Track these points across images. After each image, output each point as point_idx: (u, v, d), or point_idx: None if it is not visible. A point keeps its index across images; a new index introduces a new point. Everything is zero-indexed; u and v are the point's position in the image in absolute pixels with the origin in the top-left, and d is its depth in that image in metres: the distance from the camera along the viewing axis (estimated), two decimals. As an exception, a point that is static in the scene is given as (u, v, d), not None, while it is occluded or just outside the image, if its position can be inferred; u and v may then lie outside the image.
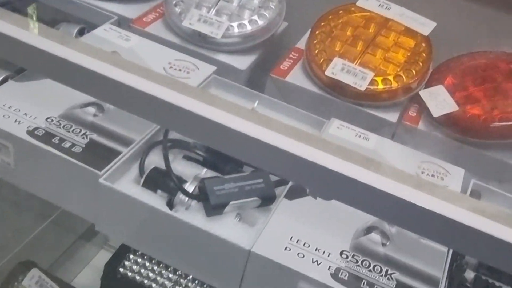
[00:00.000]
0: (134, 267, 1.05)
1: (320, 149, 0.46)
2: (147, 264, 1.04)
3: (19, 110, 0.67)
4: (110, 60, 0.49)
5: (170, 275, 1.03)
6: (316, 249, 0.60)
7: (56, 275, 1.07)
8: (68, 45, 0.49)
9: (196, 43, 0.85)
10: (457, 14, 0.92)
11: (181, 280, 1.02)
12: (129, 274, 1.03)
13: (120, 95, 0.48)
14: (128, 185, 0.64)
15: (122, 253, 1.04)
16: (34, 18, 0.90)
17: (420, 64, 0.83)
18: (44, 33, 0.50)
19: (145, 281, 1.03)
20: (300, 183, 0.47)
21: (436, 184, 0.69)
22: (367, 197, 0.44)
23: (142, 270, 1.05)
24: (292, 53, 0.89)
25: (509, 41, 0.90)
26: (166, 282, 1.03)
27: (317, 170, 0.44)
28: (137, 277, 1.03)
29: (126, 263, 1.04)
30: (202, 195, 0.63)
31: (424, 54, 0.84)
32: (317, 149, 0.45)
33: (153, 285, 1.03)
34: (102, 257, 1.27)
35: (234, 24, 0.85)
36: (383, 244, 0.63)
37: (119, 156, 0.65)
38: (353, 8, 0.89)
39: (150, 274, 1.05)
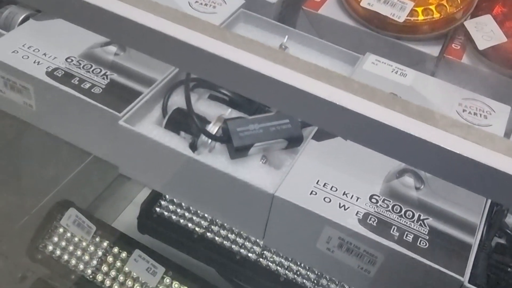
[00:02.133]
0: (170, 206, 1.04)
1: (343, 89, 0.42)
2: (183, 203, 1.04)
3: (39, 50, 0.66)
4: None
5: (206, 215, 1.03)
6: (344, 193, 0.57)
7: (96, 214, 1.08)
8: None
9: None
10: None
11: (217, 220, 1.02)
12: (165, 213, 1.03)
13: (133, 35, 0.45)
14: (150, 126, 0.62)
15: (158, 192, 1.04)
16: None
17: (466, -9, 0.76)
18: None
19: (181, 221, 1.03)
20: (323, 127, 0.44)
21: (474, 125, 0.64)
22: (391, 141, 0.40)
23: (178, 210, 1.05)
24: (327, -17, 0.84)
25: None
26: (202, 222, 1.03)
27: (340, 112, 0.41)
28: (173, 217, 1.03)
29: (162, 202, 1.04)
30: (225, 137, 0.60)
31: (470, -19, 0.77)
32: (341, 90, 0.42)
33: (189, 224, 1.03)
34: (144, 196, 1.28)
35: (264, -47, 0.80)
36: (417, 188, 0.59)
37: (140, 97, 0.62)
38: None
39: (186, 214, 1.04)
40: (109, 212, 1.22)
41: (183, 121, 0.63)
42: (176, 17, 0.46)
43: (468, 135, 0.39)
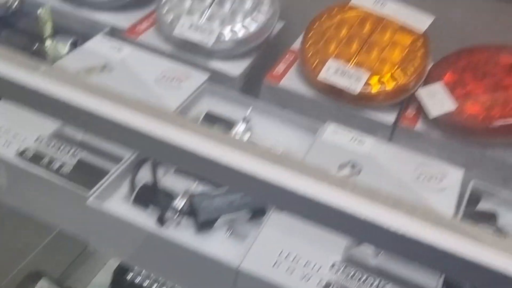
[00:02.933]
0: (142, 272, 1.05)
1: (295, 172, 0.45)
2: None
3: (9, 131, 0.68)
4: (81, 86, 0.49)
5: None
6: (306, 263, 0.59)
7: (68, 282, 1.08)
8: (35, 73, 0.48)
9: (189, 51, 0.84)
10: (456, 6, 0.90)
11: None
12: (137, 280, 1.04)
13: (91, 123, 0.48)
14: (118, 203, 0.64)
15: (129, 259, 1.05)
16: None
17: (417, 62, 0.81)
18: (10, 60, 0.49)
19: (153, 287, 1.04)
20: (278, 208, 0.47)
21: (429, 189, 0.68)
22: (341, 221, 0.43)
23: (151, 275, 1.06)
24: (288, 55, 0.88)
25: (511, 33, 0.87)
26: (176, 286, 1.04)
27: (292, 195, 0.44)
28: (145, 283, 1.04)
29: (134, 269, 1.05)
30: (191, 211, 0.62)
31: (421, 52, 0.82)
32: (292, 173, 0.45)
33: (162, 290, 1.04)
34: (116, 261, 1.28)
35: (226, 30, 0.84)
36: (376, 255, 0.61)
37: (108, 174, 0.65)
38: (347, 7, 0.87)
39: (159, 279, 1.05)
40: (82, 278, 1.22)
41: (151, 196, 0.65)
42: (131, 104, 0.49)
43: (413, 213, 0.42)
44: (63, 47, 0.85)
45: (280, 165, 0.45)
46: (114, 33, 0.89)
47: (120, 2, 0.91)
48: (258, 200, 0.61)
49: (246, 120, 0.75)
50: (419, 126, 0.79)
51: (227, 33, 0.84)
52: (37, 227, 1.07)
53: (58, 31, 0.89)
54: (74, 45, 0.86)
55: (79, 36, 0.88)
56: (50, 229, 1.10)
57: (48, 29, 0.85)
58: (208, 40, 0.82)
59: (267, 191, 0.45)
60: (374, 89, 0.79)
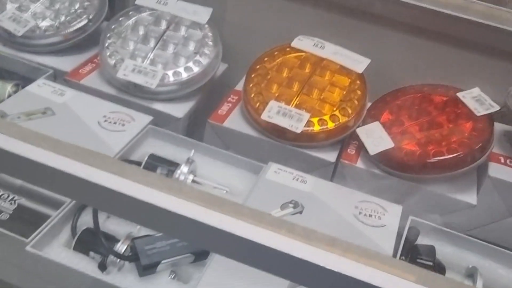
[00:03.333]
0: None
1: (233, 216, 0.46)
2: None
3: None
4: (17, 132, 0.48)
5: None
6: (249, 305, 0.59)
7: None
8: None
9: (132, 94, 0.85)
10: (391, 48, 0.94)
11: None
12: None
13: (29, 170, 0.48)
14: (58, 249, 0.63)
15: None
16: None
17: (356, 102, 0.84)
18: None
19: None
20: (217, 253, 0.47)
21: (368, 226, 0.69)
22: (277, 263, 0.44)
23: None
24: (231, 96, 0.90)
25: (443, 73, 0.91)
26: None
27: (230, 239, 0.44)
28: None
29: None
30: (133, 256, 0.62)
31: (359, 92, 0.85)
32: (230, 216, 0.45)
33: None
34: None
35: (170, 72, 0.85)
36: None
37: (48, 221, 0.64)
38: (288, 49, 0.90)
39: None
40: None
41: (92, 241, 0.64)
42: (69, 151, 0.49)
43: (346, 252, 0.44)
44: (4, 90, 0.84)
45: (218, 209, 0.46)
46: (57, 76, 0.88)
47: (62, 45, 0.91)
48: (198, 246, 0.61)
49: (189, 161, 0.76)
50: (360, 163, 0.81)
51: (170, 75, 0.85)
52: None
53: (1, 75, 0.88)
54: (16, 90, 0.85)
55: (21, 79, 0.87)
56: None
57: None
58: (152, 82, 0.83)
59: (206, 236, 0.45)
60: (316, 128, 0.81)
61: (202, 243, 0.46)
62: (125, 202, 0.46)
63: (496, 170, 0.81)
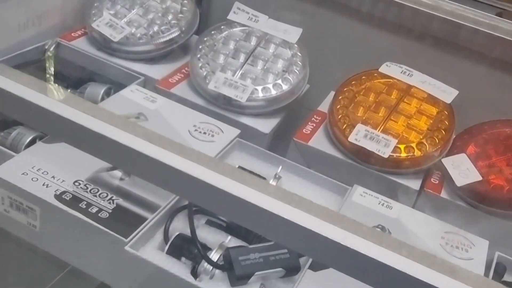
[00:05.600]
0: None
1: (334, 224, 0.46)
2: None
3: (47, 173, 0.68)
4: (128, 128, 0.50)
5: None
6: (341, 325, 0.59)
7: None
8: (88, 112, 0.50)
9: (221, 106, 0.86)
10: (479, 81, 0.93)
11: None
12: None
13: (138, 164, 0.49)
14: (153, 252, 0.64)
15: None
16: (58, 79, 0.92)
17: (443, 132, 0.83)
18: (65, 99, 0.51)
19: None
20: (317, 259, 0.48)
21: (456, 257, 0.68)
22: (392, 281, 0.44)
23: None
24: (315, 116, 0.90)
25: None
26: None
27: (333, 247, 0.45)
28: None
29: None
30: (227, 265, 0.62)
31: (446, 122, 0.85)
32: (332, 224, 0.46)
33: None
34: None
35: (259, 88, 0.86)
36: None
37: (145, 223, 0.65)
38: (375, 74, 0.90)
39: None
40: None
41: (185, 247, 0.65)
42: (175, 148, 0.50)
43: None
44: (98, 93, 0.87)
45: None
46: (148, 83, 0.90)
47: (154, 54, 0.94)
48: (296, 251, 0.61)
49: (277, 177, 0.77)
50: (444, 193, 0.81)
51: (260, 91, 0.86)
52: (46, 263, 1.06)
53: (93, 79, 0.91)
54: (108, 93, 0.88)
55: (113, 84, 0.90)
56: (61, 267, 1.08)
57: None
58: (242, 96, 0.84)
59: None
60: (402, 154, 0.81)
61: (302, 248, 0.47)
62: (223, 198, 0.47)
63: None
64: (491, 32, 0.89)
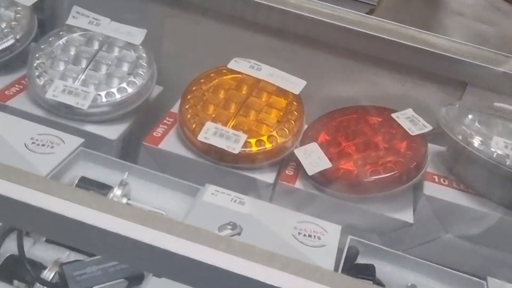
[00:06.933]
0: None
1: (168, 232, 0.43)
2: None
3: None
4: None
5: None
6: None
7: None
8: None
9: (63, 115, 0.81)
10: (325, 70, 0.95)
11: None
12: None
13: None
14: (-21, 278, 0.59)
15: None
16: None
17: (293, 122, 0.83)
18: None
19: None
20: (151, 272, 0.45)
21: (308, 246, 0.68)
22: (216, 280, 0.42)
23: None
24: (167, 118, 0.88)
25: (376, 95, 0.93)
26: None
27: (165, 256, 0.42)
28: None
29: None
30: (62, 283, 0.58)
31: (296, 113, 0.85)
32: (165, 233, 0.43)
33: None
34: None
35: (102, 93, 0.82)
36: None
37: (-33, 247, 0.59)
38: (224, 71, 0.89)
39: None
40: None
41: (17, 269, 0.60)
42: None
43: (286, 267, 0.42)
44: None
45: (153, 226, 0.44)
46: (-19, 98, 0.84)
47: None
48: (135, 267, 0.58)
49: (123, 184, 0.73)
50: (299, 183, 0.81)
51: (103, 96, 0.82)
52: None
53: None
54: None
55: None
56: None
57: None
58: (83, 103, 0.80)
59: (141, 255, 0.43)
60: (254, 149, 0.80)
61: (138, 263, 0.44)
62: (55, 221, 0.43)
63: (431, 189, 0.82)
64: (334, 22, 0.91)
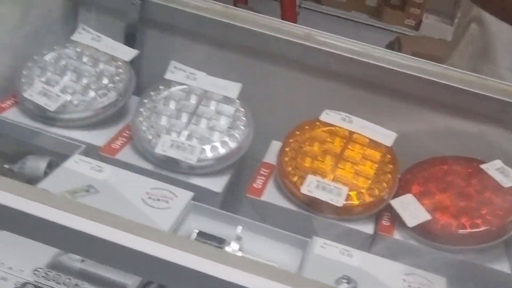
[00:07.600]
0: None
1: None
2: None
3: (3, 264, 0.64)
4: (72, 208, 0.50)
5: None
6: None
7: None
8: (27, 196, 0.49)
9: (170, 169, 0.85)
10: (417, 122, 0.98)
11: None
12: None
13: (90, 248, 0.49)
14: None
15: None
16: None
17: (389, 175, 0.87)
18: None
19: None
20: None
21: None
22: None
23: None
24: (262, 169, 0.91)
25: (465, 145, 0.95)
26: None
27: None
28: None
29: None
30: None
31: (390, 165, 0.88)
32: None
33: None
34: None
35: (206, 147, 0.86)
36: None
37: (115, 305, 0.62)
38: (317, 123, 0.93)
39: None
40: None
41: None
42: (127, 226, 0.50)
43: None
44: (38, 167, 0.83)
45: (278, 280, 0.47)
46: (89, 151, 0.88)
47: (93, 120, 0.91)
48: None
49: (238, 238, 0.76)
50: (396, 234, 0.84)
51: (208, 150, 0.86)
52: None
53: (31, 151, 0.87)
54: (50, 166, 0.84)
55: (53, 155, 0.86)
56: None
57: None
58: (191, 158, 0.84)
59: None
60: (355, 201, 0.83)
61: None
62: (190, 275, 0.47)
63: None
64: (416, 74, 0.94)
